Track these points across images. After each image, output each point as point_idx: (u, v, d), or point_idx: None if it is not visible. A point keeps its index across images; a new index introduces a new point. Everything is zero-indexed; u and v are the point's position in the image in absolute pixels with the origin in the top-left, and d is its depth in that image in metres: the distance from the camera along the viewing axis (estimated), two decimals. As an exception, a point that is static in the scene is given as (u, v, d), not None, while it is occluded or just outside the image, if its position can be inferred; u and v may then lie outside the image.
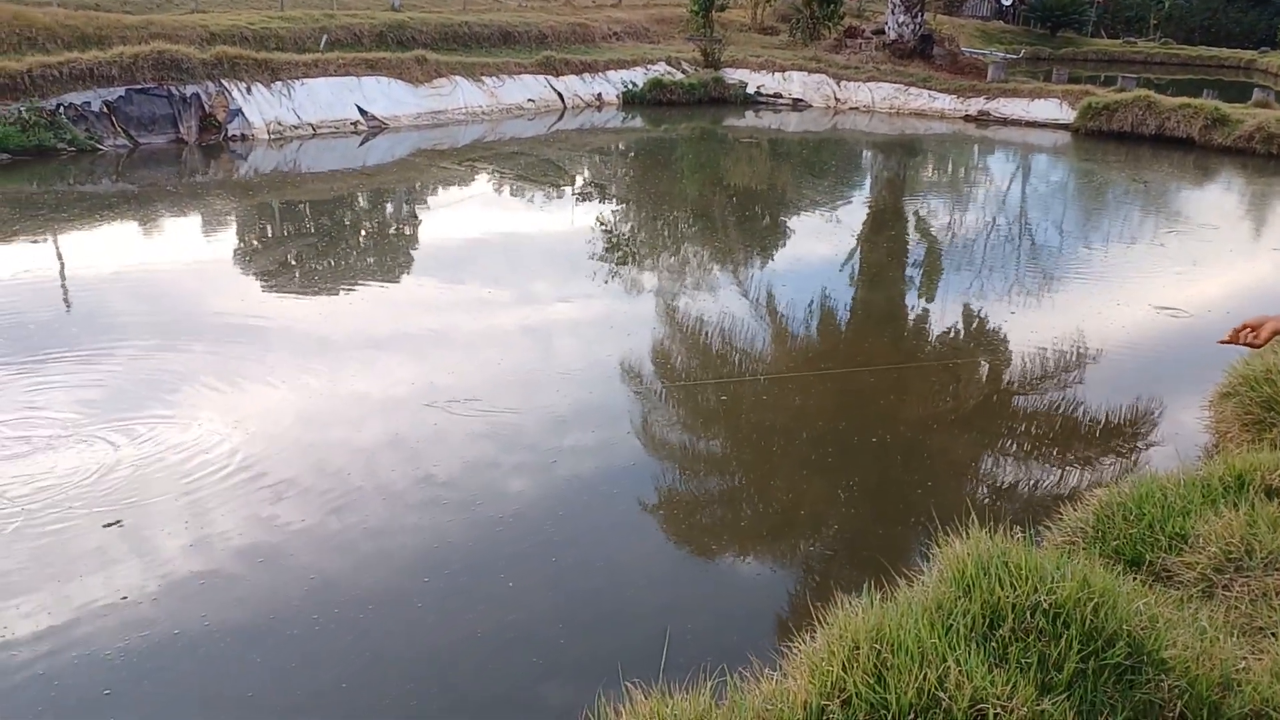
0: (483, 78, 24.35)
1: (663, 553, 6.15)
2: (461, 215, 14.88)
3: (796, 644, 3.37)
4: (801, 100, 28.98)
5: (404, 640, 5.13)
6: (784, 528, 6.41)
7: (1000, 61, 30.45)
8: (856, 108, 28.47)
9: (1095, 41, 48.92)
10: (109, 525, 5.87)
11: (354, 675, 4.83)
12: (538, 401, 7.93)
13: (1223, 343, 3.62)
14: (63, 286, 10.44)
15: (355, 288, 10.98)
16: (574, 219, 14.84)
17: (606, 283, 11.53)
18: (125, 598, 5.26)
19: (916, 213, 16.72)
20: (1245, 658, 3.47)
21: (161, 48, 18.47)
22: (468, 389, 8.05)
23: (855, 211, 16.53)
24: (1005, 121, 26.44)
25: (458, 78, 23.70)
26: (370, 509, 6.26)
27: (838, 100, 28.86)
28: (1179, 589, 4.30)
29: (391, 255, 12.72)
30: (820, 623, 3.41)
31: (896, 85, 28.60)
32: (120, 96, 17.70)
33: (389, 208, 15.60)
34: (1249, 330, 3.51)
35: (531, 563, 5.84)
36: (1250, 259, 14.01)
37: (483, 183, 17.24)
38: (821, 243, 14.10)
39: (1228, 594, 4.20)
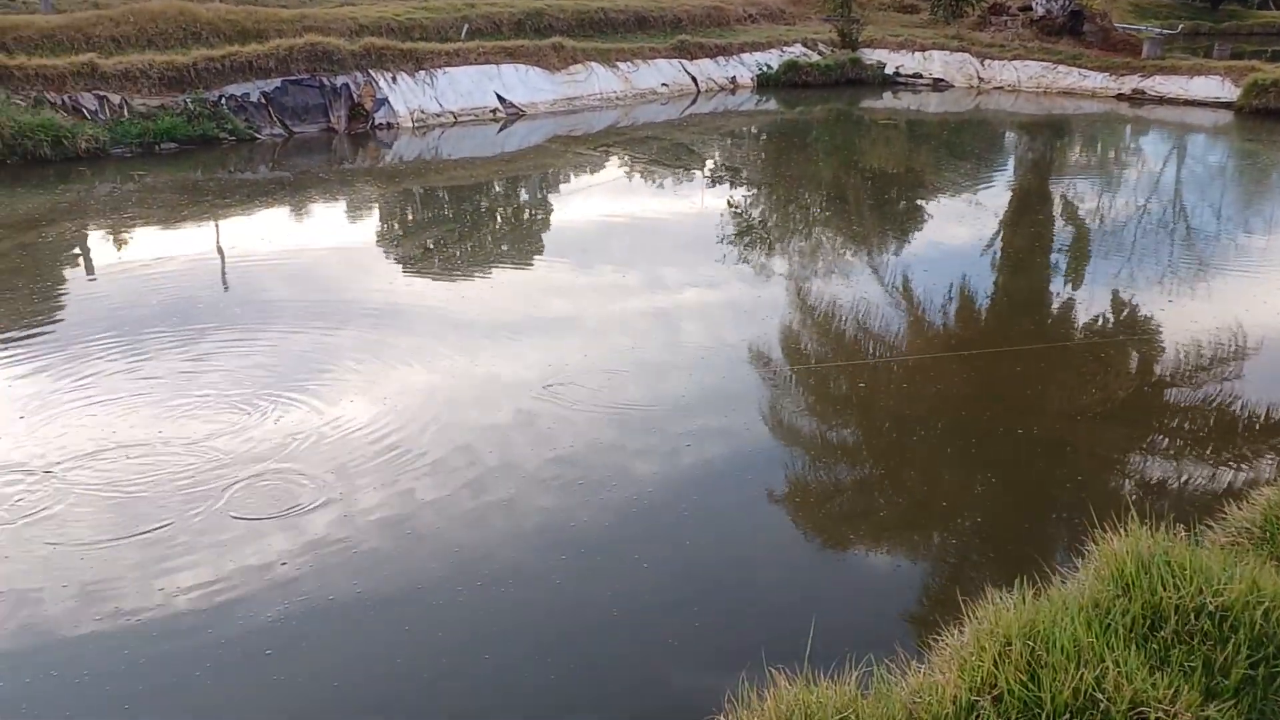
0: (617, 63, 24.52)
1: (796, 541, 6.11)
2: (594, 200, 15.05)
3: (943, 638, 3.31)
4: (942, 80, 28.12)
5: (543, 615, 5.26)
6: (921, 520, 6.28)
7: (1156, 37, 28.85)
8: (1001, 87, 27.46)
9: (1262, 14, 45.76)
10: (265, 493, 6.22)
11: (496, 648, 4.98)
12: (667, 386, 7.98)
13: None
14: (222, 269, 11.04)
15: (491, 272, 11.26)
16: (705, 203, 14.82)
17: (736, 267, 11.49)
18: (284, 564, 5.56)
19: (1063, 196, 16.03)
20: None
21: (314, 40, 19.28)
22: (598, 373, 8.16)
23: (997, 195, 15.97)
24: (1161, 100, 25.06)
25: (593, 64, 23.93)
26: (506, 487, 6.42)
27: (981, 80, 27.89)
28: (1357, 597, 4.02)
29: (526, 240, 12.98)
30: (969, 617, 3.33)
31: (1044, 63, 27.44)
32: (276, 88, 18.58)
33: (524, 193, 15.91)
34: None
35: (664, 546, 5.89)
36: None
37: (615, 168, 17.39)
38: (962, 227, 13.68)
39: None
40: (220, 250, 11.79)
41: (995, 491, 6.52)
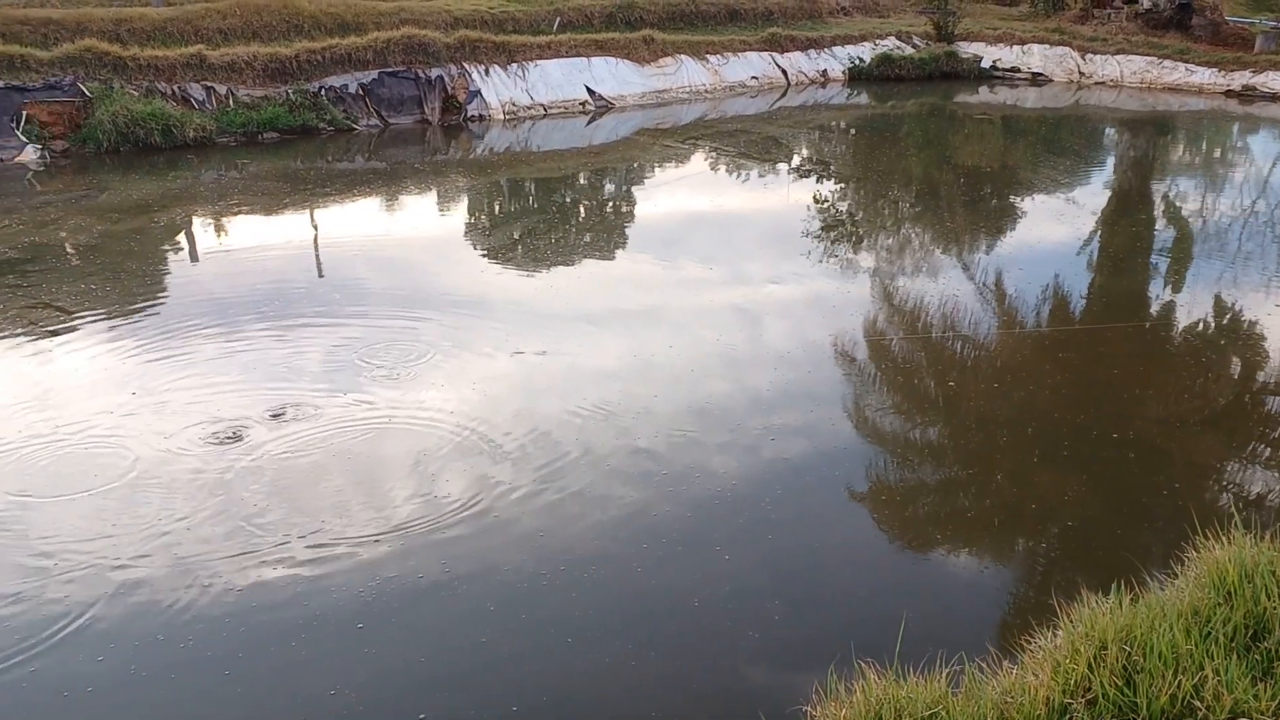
0: (707, 56, 24.47)
1: (881, 539, 6.06)
2: (680, 193, 15.06)
3: (1035, 639, 3.26)
4: (1041, 74, 27.40)
5: (625, 603, 5.32)
6: (1010, 522, 6.17)
7: (1271, 31, 27.60)
8: (1103, 82, 26.63)
9: (1389, 5, 43.39)
10: (355, 474, 6.41)
11: (578, 632, 5.06)
12: (749, 381, 7.96)
13: None
14: (317, 257, 11.36)
15: (577, 264, 11.36)
16: (793, 197, 14.72)
17: (822, 263, 11.39)
18: (377, 540, 5.73)
19: (1165, 195, 15.52)
20: None
21: (410, 33, 19.68)
22: (679, 366, 8.19)
23: (1096, 193, 15.52)
24: (1274, 97, 23.99)
25: (683, 56, 23.93)
26: (587, 477, 6.49)
27: (1082, 74, 27.09)
28: None
29: (612, 233, 13.06)
30: (1062, 620, 3.28)
31: (1149, 58, 26.51)
32: (374, 79, 19.03)
33: (611, 186, 16.00)
34: None
35: (747, 539, 5.90)
36: None
37: (702, 161, 17.37)
38: (1058, 225, 13.32)
39: None
40: (316, 238, 12.14)
41: (1088, 496, 6.36)
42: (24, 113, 15.85)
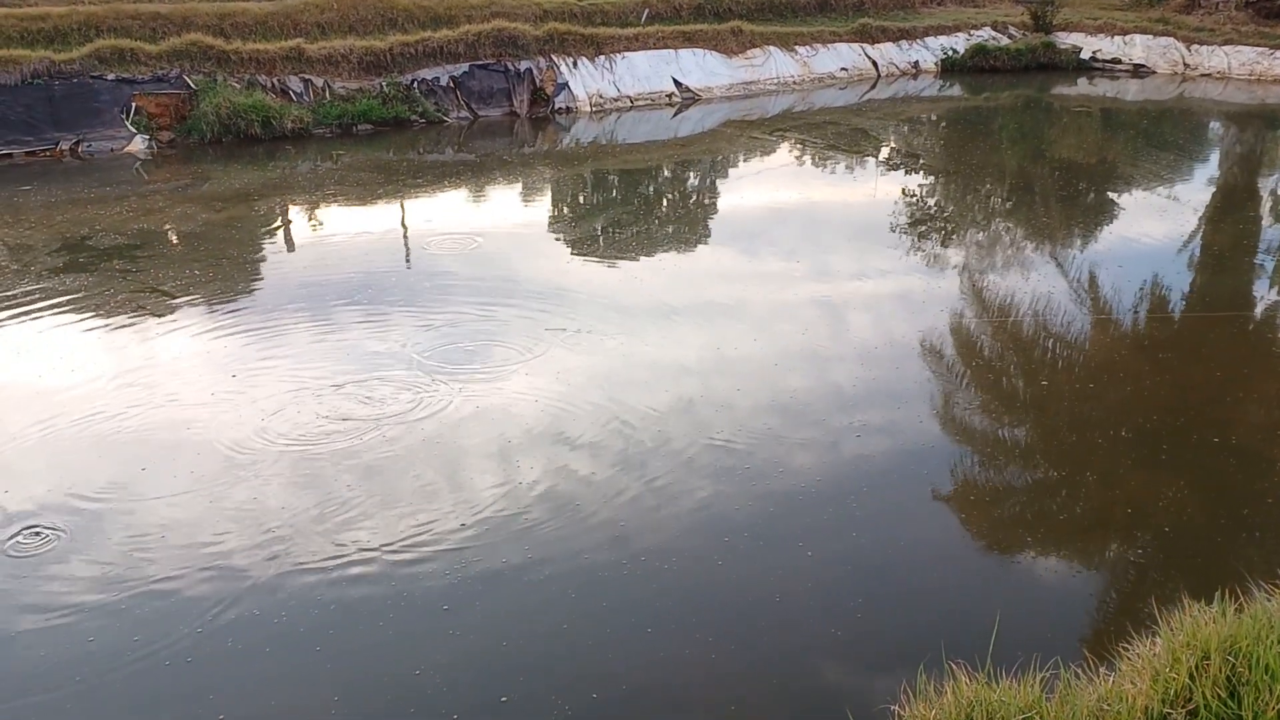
0: (796, 47, 24.21)
1: (968, 540, 5.95)
2: (765, 186, 14.94)
3: (1133, 647, 3.17)
4: (1143, 66, 26.44)
5: (706, 595, 5.33)
6: (1104, 526, 6.00)
7: (1395, 18, 26.19)
8: (1209, 74, 25.57)
9: None
10: (435, 459, 6.54)
11: (658, 622, 5.09)
12: (832, 376, 7.88)
13: None
14: (406, 247, 11.58)
15: (660, 257, 11.36)
16: (881, 191, 14.49)
17: (909, 257, 11.20)
18: (462, 525, 5.84)
19: (1273, 192, 14.86)
20: None
21: (501, 26, 19.90)
22: (762, 360, 8.14)
23: (1199, 189, 14.94)
24: (1397, 88, 22.79)
25: (771, 48, 23.73)
26: (668, 470, 6.50)
27: (1186, 66, 26.06)
28: None
29: (696, 226, 13.03)
30: (1163, 627, 3.18)
31: (1259, 49, 25.36)
32: (464, 72, 19.30)
33: (694, 178, 15.95)
34: None
35: (829, 535, 5.86)
36: None
37: (788, 153, 17.21)
38: (1158, 222, 12.87)
39: None
40: (406, 228, 12.38)
41: (1186, 501, 6.15)
42: (133, 104, 16.49)
